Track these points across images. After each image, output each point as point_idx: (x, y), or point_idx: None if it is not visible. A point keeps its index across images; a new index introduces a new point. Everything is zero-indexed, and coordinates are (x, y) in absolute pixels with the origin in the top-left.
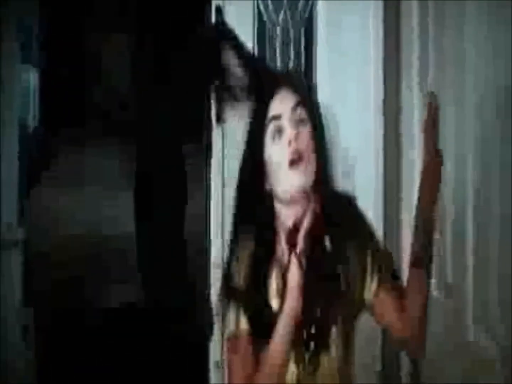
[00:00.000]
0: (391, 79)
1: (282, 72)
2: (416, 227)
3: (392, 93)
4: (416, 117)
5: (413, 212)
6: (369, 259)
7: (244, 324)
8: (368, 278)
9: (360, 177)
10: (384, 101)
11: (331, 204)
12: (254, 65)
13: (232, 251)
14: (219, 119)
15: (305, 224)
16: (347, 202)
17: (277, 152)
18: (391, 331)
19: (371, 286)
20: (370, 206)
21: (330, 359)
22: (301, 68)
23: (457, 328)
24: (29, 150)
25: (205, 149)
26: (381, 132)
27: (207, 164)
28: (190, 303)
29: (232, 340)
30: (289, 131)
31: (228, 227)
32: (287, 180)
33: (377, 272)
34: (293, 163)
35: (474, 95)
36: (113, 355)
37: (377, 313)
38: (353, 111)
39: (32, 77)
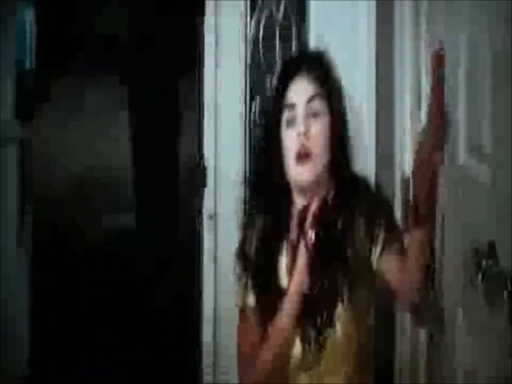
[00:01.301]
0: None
1: (305, 54)
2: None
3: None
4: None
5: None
6: (376, 228)
7: (251, 300)
8: (374, 243)
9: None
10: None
11: (345, 189)
12: None
13: (247, 225)
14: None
15: (312, 211)
16: (361, 184)
17: (288, 140)
18: (395, 296)
19: (376, 249)
20: None
21: (335, 337)
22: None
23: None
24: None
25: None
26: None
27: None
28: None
29: (240, 312)
30: (300, 123)
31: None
32: (293, 172)
33: (383, 233)
34: (299, 157)
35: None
36: (105, 276)
37: (381, 275)
38: None
39: (28, 15)
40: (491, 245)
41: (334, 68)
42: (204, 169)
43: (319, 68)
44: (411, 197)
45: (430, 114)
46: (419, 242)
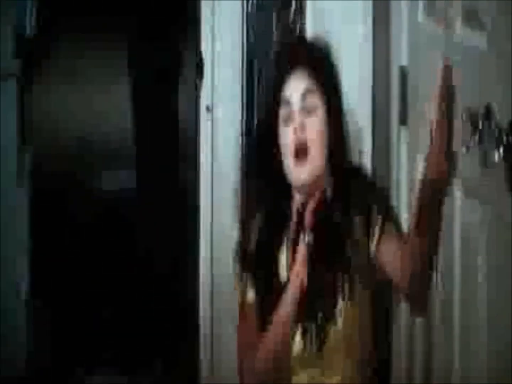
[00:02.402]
0: None
1: (302, 43)
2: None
3: None
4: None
5: None
6: (373, 216)
7: (251, 297)
8: (372, 234)
9: None
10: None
11: (343, 183)
12: None
13: (246, 222)
14: None
15: (310, 209)
16: (358, 175)
17: (285, 137)
18: (394, 285)
19: (374, 239)
20: None
21: (336, 333)
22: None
23: None
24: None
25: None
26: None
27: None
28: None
29: (240, 310)
30: (296, 119)
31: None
32: (292, 172)
33: (379, 222)
34: (297, 155)
35: None
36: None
37: (380, 266)
38: None
39: None
40: (488, 108)
41: (332, 60)
42: (201, 64)
43: (315, 61)
44: (415, 203)
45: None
46: (419, 247)
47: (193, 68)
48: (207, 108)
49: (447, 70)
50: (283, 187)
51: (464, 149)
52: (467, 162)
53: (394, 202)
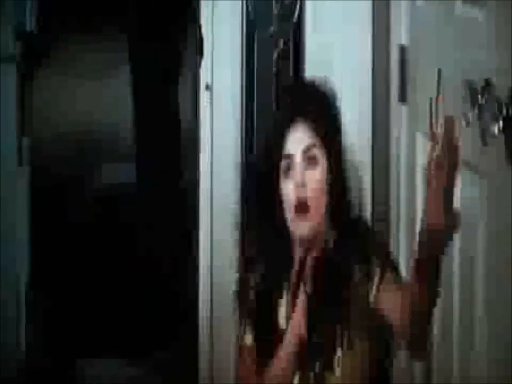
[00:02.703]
0: None
1: (303, 91)
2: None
3: None
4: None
5: None
6: (372, 266)
7: (249, 340)
8: (371, 281)
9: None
10: None
11: (344, 236)
12: None
13: (246, 270)
14: None
15: (310, 264)
16: (359, 226)
17: (286, 189)
18: (394, 331)
19: (373, 287)
20: None
21: (335, 381)
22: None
23: None
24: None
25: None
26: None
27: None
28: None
29: (239, 350)
30: (297, 174)
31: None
32: (293, 226)
33: (379, 271)
34: (298, 210)
35: None
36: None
37: (379, 311)
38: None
39: None
40: (488, 81)
41: (334, 109)
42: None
43: (317, 112)
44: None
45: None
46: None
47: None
48: (207, 87)
49: (449, 123)
50: (284, 236)
51: (463, 123)
52: (466, 136)
53: (393, 177)
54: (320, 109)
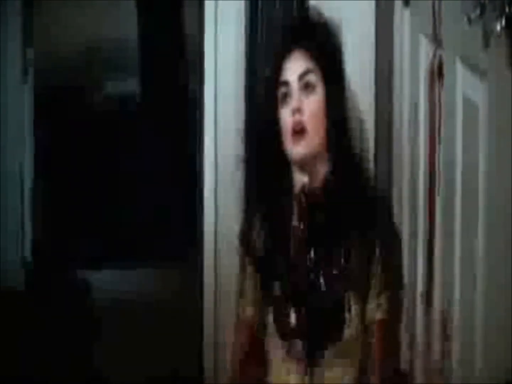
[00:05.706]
0: None
1: (301, 25)
2: None
3: None
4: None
5: None
6: (377, 276)
7: (249, 311)
8: (371, 298)
9: None
10: None
11: (342, 162)
12: None
13: (247, 221)
14: None
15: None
16: (379, 208)
17: (284, 117)
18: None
19: (372, 308)
20: None
21: (332, 372)
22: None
23: None
24: None
25: None
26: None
27: None
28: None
29: (237, 322)
30: (294, 99)
31: None
32: (290, 148)
33: (383, 291)
34: (295, 134)
35: None
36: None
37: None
38: None
39: None
40: None
41: (335, 41)
42: None
43: (316, 40)
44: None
45: None
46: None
47: None
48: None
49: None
50: (284, 164)
51: (466, 21)
52: (469, 36)
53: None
54: (320, 40)
